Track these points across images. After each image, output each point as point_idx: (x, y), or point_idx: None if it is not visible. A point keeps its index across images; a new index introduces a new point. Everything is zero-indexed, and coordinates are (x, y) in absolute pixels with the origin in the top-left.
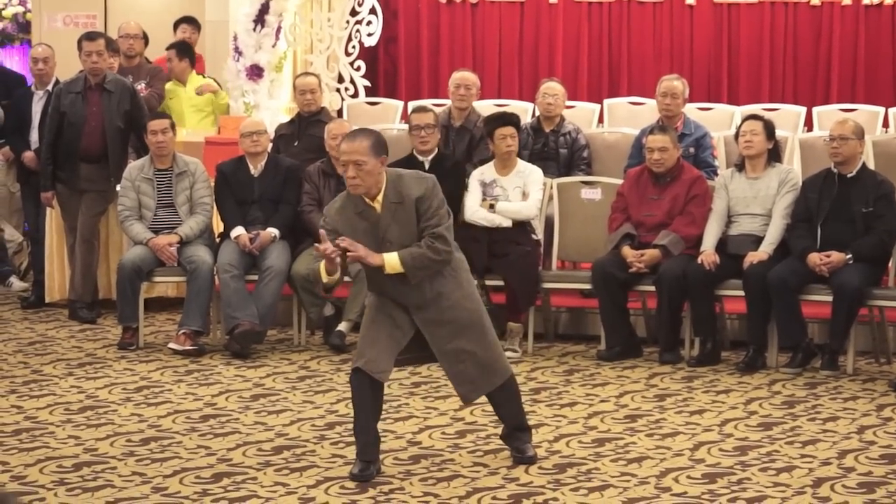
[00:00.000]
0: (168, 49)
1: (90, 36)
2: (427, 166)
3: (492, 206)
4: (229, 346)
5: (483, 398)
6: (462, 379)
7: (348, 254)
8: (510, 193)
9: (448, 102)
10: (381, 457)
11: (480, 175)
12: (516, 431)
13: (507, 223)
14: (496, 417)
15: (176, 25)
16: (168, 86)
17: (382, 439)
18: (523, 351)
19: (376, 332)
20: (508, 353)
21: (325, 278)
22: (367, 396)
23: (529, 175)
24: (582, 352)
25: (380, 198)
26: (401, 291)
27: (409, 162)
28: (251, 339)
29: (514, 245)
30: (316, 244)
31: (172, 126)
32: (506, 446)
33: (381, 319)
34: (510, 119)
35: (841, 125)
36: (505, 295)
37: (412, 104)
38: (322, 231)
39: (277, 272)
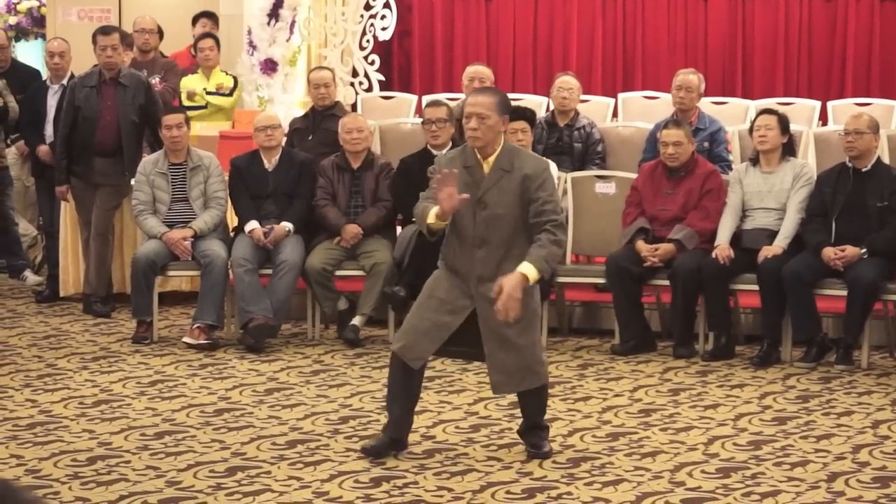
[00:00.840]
0: (204, 38)
1: (105, 30)
2: None
3: None
4: (243, 340)
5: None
6: (500, 368)
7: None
8: None
9: (462, 96)
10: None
11: None
12: (535, 429)
13: None
14: (510, 412)
15: (195, 20)
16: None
17: None
18: None
19: (420, 317)
20: None
21: (433, 221)
22: (398, 380)
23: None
24: (596, 346)
25: (491, 159)
26: (470, 261)
27: (424, 156)
28: (265, 333)
29: None
30: (439, 176)
31: (187, 121)
32: (521, 441)
33: (430, 304)
34: (522, 113)
35: (856, 119)
36: None
37: (426, 98)
38: (435, 175)
39: (292, 266)
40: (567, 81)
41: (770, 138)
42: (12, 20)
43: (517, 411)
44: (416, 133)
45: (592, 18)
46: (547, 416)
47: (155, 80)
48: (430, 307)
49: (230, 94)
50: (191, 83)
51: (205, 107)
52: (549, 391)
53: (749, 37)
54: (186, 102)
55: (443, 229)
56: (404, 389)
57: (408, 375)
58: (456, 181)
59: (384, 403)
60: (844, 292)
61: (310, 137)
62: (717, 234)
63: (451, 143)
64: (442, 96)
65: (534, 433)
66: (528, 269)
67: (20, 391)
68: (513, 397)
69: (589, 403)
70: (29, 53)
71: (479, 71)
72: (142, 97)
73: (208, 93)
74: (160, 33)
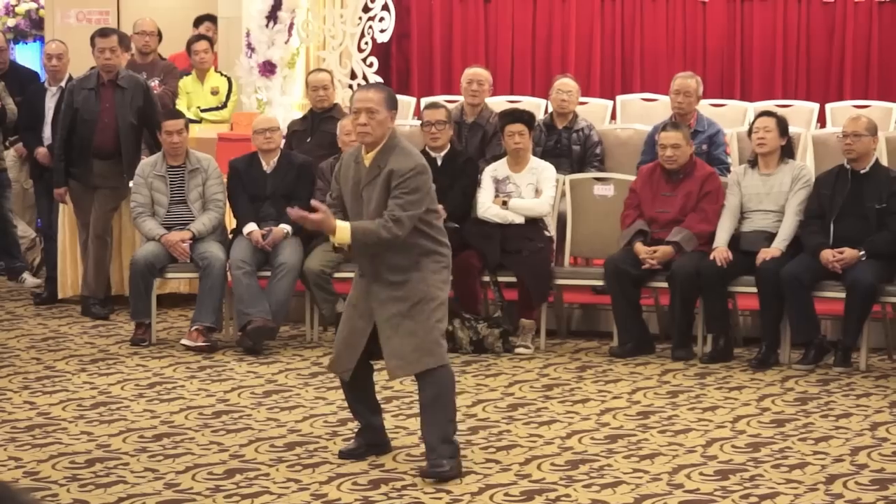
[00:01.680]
0: (198, 40)
1: (103, 32)
2: (439, 162)
3: (504, 203)
4: (242, 343)
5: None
6: (393, 352)
7: (306, 216)
8: (523, 190)
9: (461, 99)
10: (393, 453)
11: (493, 171)
12: (441, 444)
13: (520, 220)
14: (509, 415)
15: (197, 23)
16: (189, 80)
17: (394, 436)
18: (536, 347)
19: (341, 329)
20: (521, 350)
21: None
22: (346, 394)
23: (542, 172)
24: (594, 348)
25: (371, 155)
26: (364, 260)
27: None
28: (264, 335)
29: (527, 241)
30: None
31: (186, 126)
32: (518, 443)
33: (347, 313)
34: (520, 116)
35: (854, 122)
36: (517, 291)
37: (425, 100)
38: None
39: (290, 268)
40: (566, 84)
41: (768, 140)
42: (11, 22)
43: (516, 414)
44: (414, 135)
45: (591, 21)
46: (545, 419)
47: (154, 83)
48: (347, 316)
49: (224, 106)
50: (186, 85)
51: (199, 121)
52: (548, 393)
53: (748, 39)
54: (186, 114)
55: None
56: (355, 400)
57: (352, 387)
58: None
59: (384, 409)
60: (843, 294)
61: (308, 139)
62: (715, 236)
63: (449, 146)
64: (440, 98)
65: (436, 450)
66: (341, 227)
67: (18, 393)
68: (511, 399)
69: (587, 405)
70: (27, 56)
71: (477, 73)
72: (140, 99)
73: (203, 110)
74: (159, 36)
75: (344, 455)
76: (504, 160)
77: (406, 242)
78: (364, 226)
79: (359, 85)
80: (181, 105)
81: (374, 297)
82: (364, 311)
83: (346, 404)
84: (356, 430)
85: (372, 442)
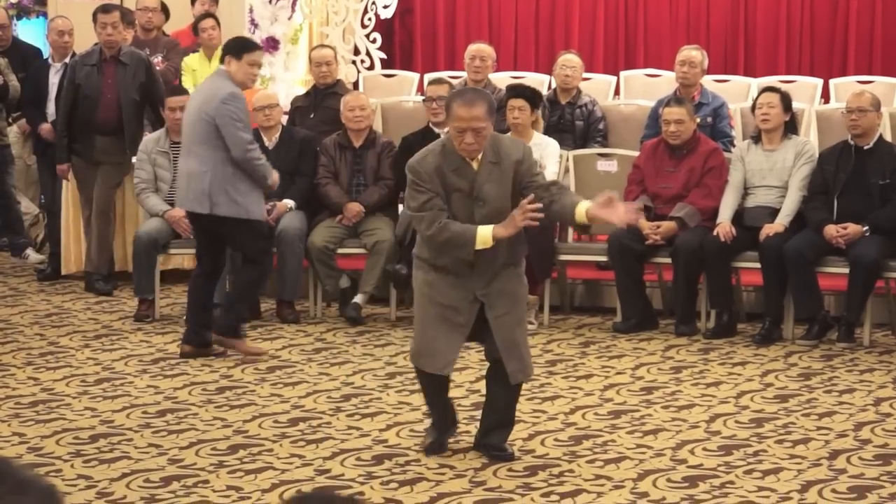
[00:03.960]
0: (204, 18)
1: (105, 8)
2: (443, 138)
3: None
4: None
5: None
6: (514, 355)
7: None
8: None
9: (464, 74)
10: (397, 429)
11: None
12: (502, 428)
13: None
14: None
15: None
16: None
17: (399, 410)
18: (539, 323)
19: (431, 327)
20: None
21: (485, 244)
22: (433, 383)
23: (545, 147)
24: (598, 324)
25: (479, 156)
26: (474, 261)
27: (425, 134)
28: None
29: None
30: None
31: None
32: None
33: (437, 313)
34: (522, 91)
35: (858, 97)
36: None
37: (428, 76)
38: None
39: (294, 237)
40: (570, 59)
41: (772, 116)
42: None
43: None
44: (418, 111)
45: None
46: (548, 395)
47: (157, 59)
48: (439, 316)
49: None
50: (193, 63)
51: None
52: (551, 369)
53: (751, 14)
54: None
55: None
56: (440, 387)
57: (436, 378)
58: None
59: (388, 384)
60: (846, 270)
61: (311, 116)
62: (718, 211)
63: None
64: (444, 74)
65: (502, 431)
66: (582, 204)
67: (22, 369)
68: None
69: (591, 381)
70: (30, 32)
71: (480, 49)
72: (142, 75)
73: None
74: (165, 12)
75: (430, 451)
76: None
77: (521, 233)
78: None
79: (362, 61)
80: (186, 82)
81: (482, 290)
82: (464, 308)
83: (349, 380)
84: (433, 422)
85: (449, 426)
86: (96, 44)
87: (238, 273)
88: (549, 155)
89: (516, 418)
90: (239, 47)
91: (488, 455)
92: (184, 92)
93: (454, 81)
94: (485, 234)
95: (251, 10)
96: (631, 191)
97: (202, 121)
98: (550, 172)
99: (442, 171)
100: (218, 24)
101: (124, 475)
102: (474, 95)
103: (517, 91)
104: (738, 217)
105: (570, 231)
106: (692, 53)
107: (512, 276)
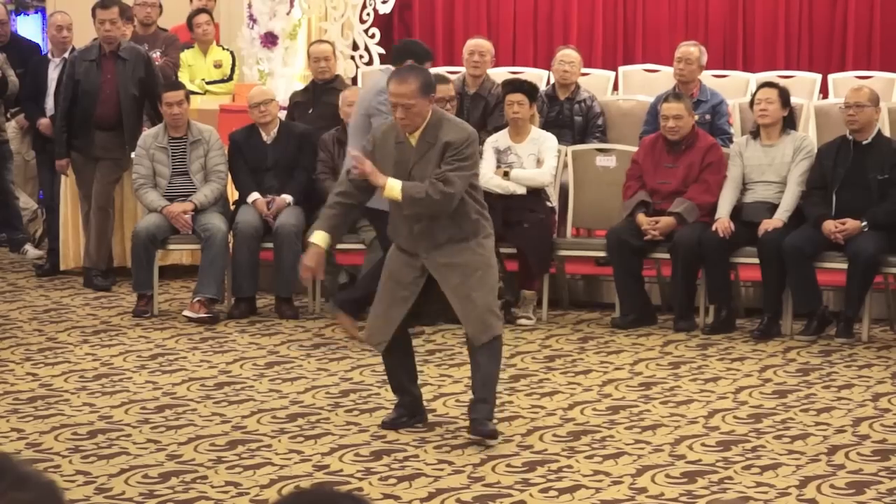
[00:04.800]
0: (198, 14)
1: (104, 4)
2: None
3: (506, 174)
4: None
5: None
6: (472, 318)
7: (355, 168)
8: (524, 161)
9: (463, 70)
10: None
11: (495, 142)
12: (482, 403)
13: (522, 190)
14: (511, 386)
15: None
16: (191, 53)
17: (392, 406)
18: (538, 318)
19: (378, 302)
20: (522, 321)
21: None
22: (388, 361)
23: (544, 142)
24: (596, 319)
25: (417, 134)
26: (411, 236)
27: None
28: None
29: (529, 213)
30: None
31: (187, 97)
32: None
33: (386, 286)
34: (520, 86)
35: (856, 92)
36: (518, 263)
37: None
38: (360, 152)
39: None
40: (568, 55)
41: (771, 111)
42: None
43: (518, 385)
44: None
45: None
46: (547, 390)
47: (156, 55)
48: (387, 289)
49: (230, 79)
50: (188, 58)
51: (203, 94)
52: (550, 364)
53: (750, 9)
54: (189, 86)
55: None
56: (396, 367)
57: (394, 353)
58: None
59: (386, 379)
60: (845, 265)
61: (310, 111)
62: (717, 207)
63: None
64: (443, 70)
65: (481, 406)
66: (392, 181)
67: (21, 365)
68: (513, 371)
69: (589, 377)
70: (29, 27)
71: (479, 44)
72: (141, 70)
73: (208, 82)
74: (160, 7)
75: (386, 425)
76: (506, 131)
77: (459, 210)
78: (413, 183)
79: (360, 57)
80: (183, 78)
81: (431, 265)
82: (408, 282)
83: (348, 375)
84: (395, 401)
85: (412, 412)
86: (95, 39)
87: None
88: (547, 149)
89: (515, 412)
90: (424, 54)
91: (472, 430)
92: (180, 87)
93: (453, 77)
94: (392, 185)
95: (250, 6)
96: (629, 186)
97: (359, 114)
98: (549, 167)
99: (389, 141)
100: (212, 18)
101: (123, 471)
102: (408, 73)
103: (515, 85)
104: (737, 212)
105: (569, 226)
106: (689, 49)
107: (464, 250)
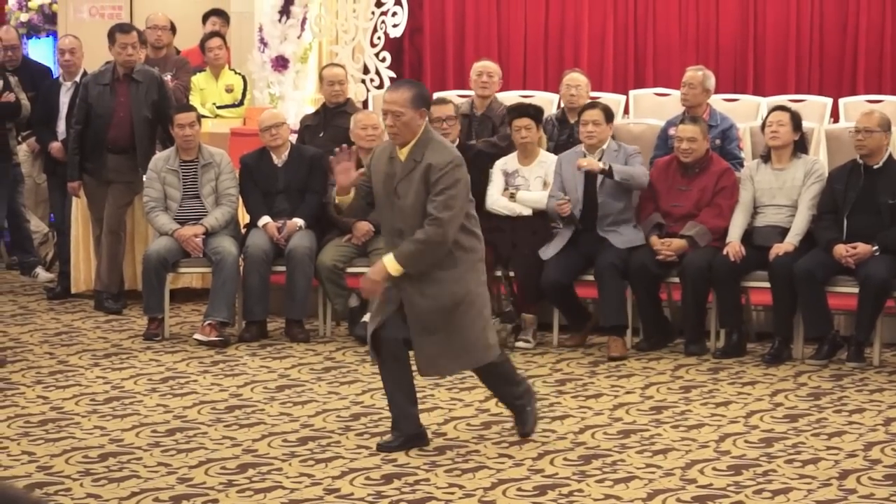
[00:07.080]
0: (211, 37)
1: (124, 28)
2: None
3: (513, 196)
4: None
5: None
6: (423, 352)
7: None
8: (531, 183)
9: (472, 93)
10: (406, 450)
11: (503, 165)
12: (517, 402)
13: (528, 212)
14: None
15: (205, 18)
16: (203, 76)
17: None
18: (541, 342)
19: (376, 317)
20: (521, 344)
21: (337, 199)
22: (386, 377)
23: (551, 165)
24: (607, 343)
25: (406, 150)
26: (392, 251)
27: None
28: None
29: (531, 236)
30: (337, 152)
31: (198, 119)
32: (531, 438)
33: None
34: (526, 110)
35: (867, 117)
36: (515, 286)
37: (434, 95)
38: (341, 150)
39: (304, 257)
40: (575, 78)
41: (782, 135)
42: (24, 17)
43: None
44: None
45: (604, 15)
46: (557, 414)
47: (167, 77)
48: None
49: (241, 104)
50: (200, 82)
51: (213, 118)
52: (561, 388)
53: (760, 33)
54: (201, 110)
55: (350, 205)
56: (394, 386)
57: (391, 371)
58: (352, 157)
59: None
60: (856, 289)
61: (321, 134)
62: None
63: (458, 140)
64: (453, 93)
65: (517, 416)
66: (388, 261)
67: (32, 388)
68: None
69: (600, 401)
70: (40, 51)
71: (486, 66)
72: (155, 93)
73: (219, 107)
74: (173, 30)
75: (383, 448)
76: (514, 154)
77: None
78: (404, 249)
79: (371, 80)
80: (195, 101)
81: (402, 289)
82: (393, 296)
83: (359, 399)
84: (392, 423)
85: (410, 433)
86: (108, 62)
87: None
88: (554, 172)
89: (527, 438)
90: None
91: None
92: (191, 109)
93: (462, 100)
94: (388, 262)
95: (261, 29)
96: (643, 208)
97: None
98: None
99: (384, 157)
100: (225, 43)
101: (133, 494)
102: (402, 83)
103: (520, 110)
104: (748, 236)
105: None
106: (693, 73)
107: (432, 283)
